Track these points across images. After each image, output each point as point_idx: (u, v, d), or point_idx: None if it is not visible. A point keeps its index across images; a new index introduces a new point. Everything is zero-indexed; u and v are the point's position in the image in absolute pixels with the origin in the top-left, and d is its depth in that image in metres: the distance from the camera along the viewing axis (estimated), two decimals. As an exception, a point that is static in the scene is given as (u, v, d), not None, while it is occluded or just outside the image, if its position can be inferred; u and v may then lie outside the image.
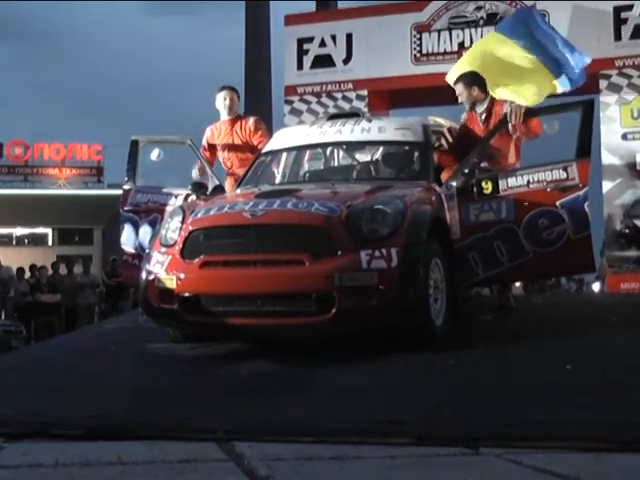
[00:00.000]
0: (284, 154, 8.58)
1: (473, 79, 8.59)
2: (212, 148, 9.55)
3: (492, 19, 12.72)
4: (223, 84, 9.77)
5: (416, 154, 7.99)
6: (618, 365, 5.62)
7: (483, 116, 8.34)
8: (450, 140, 8.07)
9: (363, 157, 8.62)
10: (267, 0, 20.52)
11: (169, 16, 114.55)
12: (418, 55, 12.79)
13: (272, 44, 19.61)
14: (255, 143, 9.30)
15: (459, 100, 8.54)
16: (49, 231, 37.27)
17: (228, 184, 9.18)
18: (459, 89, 8.51)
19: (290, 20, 14.10)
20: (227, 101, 9.48)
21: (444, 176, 7.66)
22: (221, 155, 9.54)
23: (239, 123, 9.48)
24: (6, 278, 19.79)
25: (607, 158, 11.97)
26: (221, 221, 6.64)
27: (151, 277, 6.68)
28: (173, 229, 6.76)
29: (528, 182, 7.22)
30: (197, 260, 6.43)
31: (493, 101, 8.49)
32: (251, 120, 9.57)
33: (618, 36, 12.11)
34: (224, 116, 9.52)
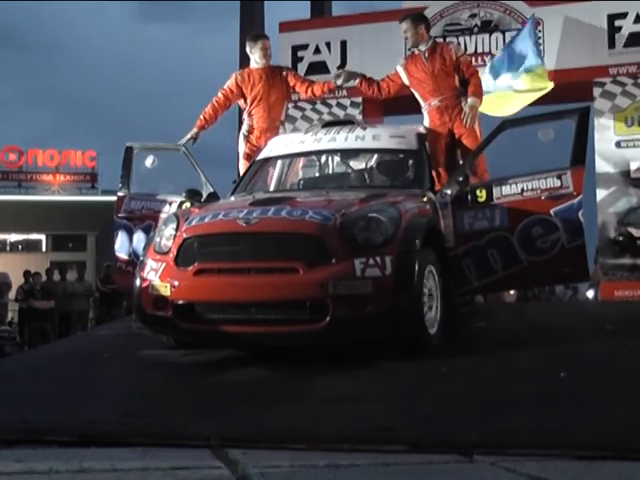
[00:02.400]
0: (279, 161, 8.59)
1: (420, 18, 9.18)
2: (233, 94, 9.75)
3: (486, 26, 12.74)
4: (255, 34, 10.12)
5: (410, 162, 8.02)
6: (613, 373, 5.63)
7: (426, 54, 8.80)
8: None
9: (357, 165, 8.62)
10: (262, 0, 20.56)
11: (162, 22, 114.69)
12: (412, 62, 12.80)
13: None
14: (292, 83, 9.66)
15: (405, 37, 9.02)
16: (43, 237, 37.19)
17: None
18: (406, 26, 8.96)
19: (284, 27, 14.10)
20: (269, 50, 9.76)
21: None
22: (249, 104, 9.69)
23: (273, 74, 9.71)
24: (1, 284, 19.78)
25: (601, 166, 11.98)
26: (215, 229, 6.63)
27: (145, 284, 6.67)
28: (167, 236, 6.75)
29: (522, 190, 7.22)
30: (191, 267, 6.42)
31: (436, 41, 9.04)
32: (284, 71, 9.87)
33: (612, 44, 12.12)
34: (259, 64, 9.70)
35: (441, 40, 9.35)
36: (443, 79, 8.63)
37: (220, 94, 9.65)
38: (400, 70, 8.97)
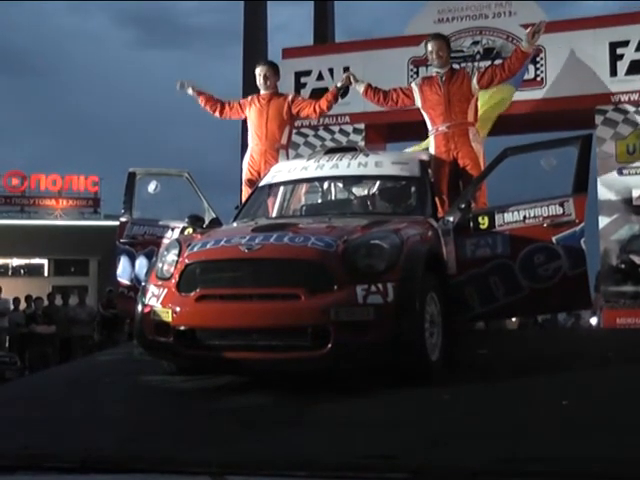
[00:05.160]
0: (281, 188, 8.60)
1: (449, 40, 9.20)
2: (233, 107, 9.98)
3: (489, 54, 12.78)
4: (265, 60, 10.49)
5: (413, 189, 8.02)
6: (615, 401, 5.61)
7: (444, 78, 8.76)
8: None
9: (360, 191, 8.63)
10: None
11: (162, 49, 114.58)
12: (415, 89, 12.82)
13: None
14: (296, 110, 9.69)
15: (434, 57, 8.88)
16: (45, 262, 37.17)
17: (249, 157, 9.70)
18: (439, 45, 8.87)
19: (288, 53, 14.15)
20: (260, 78, 9.82)
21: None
22: (251, 129, 9.78)
23: (274, 100, 9.77)
24: (2, 309, 19.75)
25: (603, 193, 11.98)
26: (217, 255, 6.63)
27: (147, 310, 6.66)
28: (169, 262, 6.75)
29: (524, 217, 7.23)
30: (193, 293, 6.41)
31: (454, 67, 9.07)
32: (290, 96, 9.93)
33: (614, 72, 12.15)
34: (260, 90, 9.84)
35: (458, 67, 9.29)
36: (455, 105, 8.58)
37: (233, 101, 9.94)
38: (415, 88, 8.92)
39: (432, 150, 8.64)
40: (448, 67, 8.79)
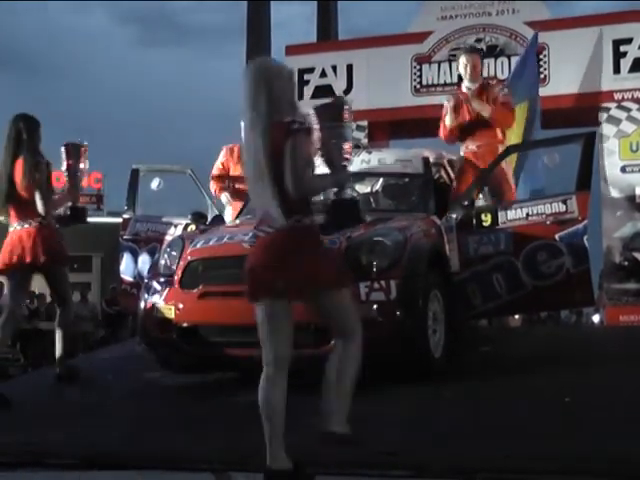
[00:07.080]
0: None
1: (482, 55, 9.10)
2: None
3: (492, 51, 12.76)
4: None
5: (416, 186, 7.99)
6: (618, 399, 5.60)
7: (474, 94, 8.63)
8: (450, 173, 8.17)
9: (363, 188, 8.60)
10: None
11: (162, 47, 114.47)
12: (418, 86, 12.79)
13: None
14: None
15: (467, 71, 8.75)
16: (48, 258, 37.14)
17: None
18: (475, 60, 8.78)
19: (291, 50, 14.13)
20: None
21: None
22: None
23: None
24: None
25: (606, 191, 11.97)
26: (220, 252, 6.62)
27: (150, 306, 6.68)
28: (172, 259, 6.75)
29: (527, 215, 7.21)
30: (196, 290, 6.42)
31: (485, 82, 8.92)
32: None
33: (617, 69, 12.13)
34: None
35: (492, 82, 9.14)
36: (485, 124, 8.51)
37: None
38: (447, 106, 8.78)
39: (460, 162, 8.54)
40: (479, 83, 8.69)
